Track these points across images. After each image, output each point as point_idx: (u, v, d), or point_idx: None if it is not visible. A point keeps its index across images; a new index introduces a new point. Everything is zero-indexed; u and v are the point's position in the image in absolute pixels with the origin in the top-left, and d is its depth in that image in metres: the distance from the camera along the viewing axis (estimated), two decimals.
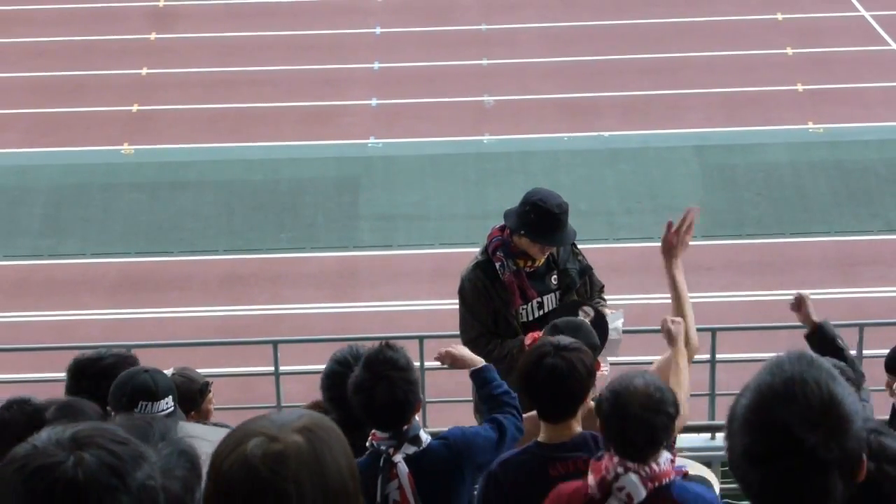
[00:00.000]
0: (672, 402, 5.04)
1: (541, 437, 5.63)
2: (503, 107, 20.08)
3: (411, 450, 5.63)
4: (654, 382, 5.06)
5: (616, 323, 7.74)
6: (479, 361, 6.26)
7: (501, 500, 5.57)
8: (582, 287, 8.21)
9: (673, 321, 6.86)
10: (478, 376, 6.21)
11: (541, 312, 8.08)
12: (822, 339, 7.52)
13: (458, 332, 11.26)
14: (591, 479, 5.02)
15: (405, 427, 5.62)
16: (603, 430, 5.05)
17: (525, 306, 8.07)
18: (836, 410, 2.90)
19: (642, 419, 4.94)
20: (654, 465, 4.95)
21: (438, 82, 20.78)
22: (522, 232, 7.88)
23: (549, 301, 8.12)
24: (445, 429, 5.94)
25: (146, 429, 2.91)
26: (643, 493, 4.89)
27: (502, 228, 8.07)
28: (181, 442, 2.94)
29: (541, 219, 7.85)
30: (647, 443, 4.96)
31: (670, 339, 6.83)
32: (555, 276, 8.13)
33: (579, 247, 8.40)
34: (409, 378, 5.58)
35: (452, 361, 6.29)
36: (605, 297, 8.37)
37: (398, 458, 5.60)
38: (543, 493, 5.13)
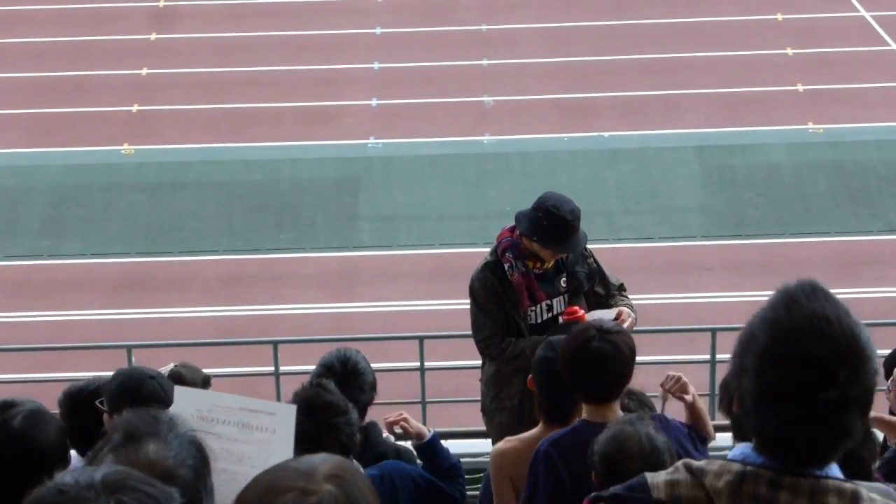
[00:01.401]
0: (669, 463, 4.91)
1: (585, 416, 5.62)
2: (503, 107, 20.08)
3: None
4: (651, 442, 4.91)
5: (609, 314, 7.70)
6: (427, 434, 6.15)
7: (554, 475, 5.52)
8: (592, 290, 8.16)
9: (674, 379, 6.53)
10: (428, 450, 6.06)
11: (549, 315, 8.03)
12: None
13: (457, 333, 11.23)
14: None
15: None
16: (597, 487, 4.92)
17: (534, 308, 8.03)
18: (858, 347, 2.87)
19: None
20: None
21: (438, 82, 20.78)
22: (535, 238, 7.85)
23: (559, 304, 8.08)
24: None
25: (154, 423, 2.93)
26: None
27: (512, 229, 8.02)
28: (188, 434, 2.96)
29: (553, 225, 7.81)
30: None
31: (685, 400, 6.48)
32: (564, 279, 8.09)
33: (588, 248, 8.35)
34: (350, 421, 5.46)
35: (403, 429, 6.15)
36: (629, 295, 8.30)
37: None
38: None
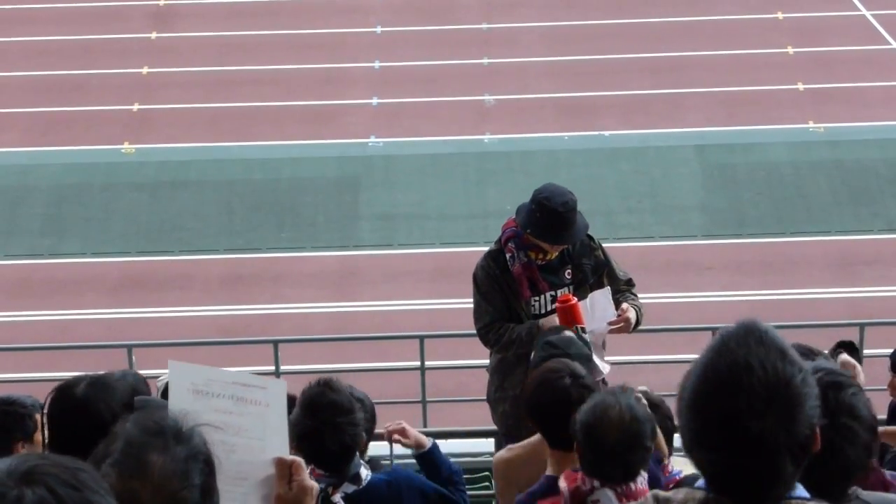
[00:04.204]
0: (649, 433, 4.88)
1: (549, 471, 5.39)
2: (504, 106, 20.07)
3: (351, 489, 5.50)
4: (631, 411, 4.86)
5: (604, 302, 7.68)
6: (427, 442, 6.07)
7: None
8: (598, 283, 8.15)
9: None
10: (427, 459, 5.99)
11: (554, 306, 8.04)
12: None
13: (458, 332, 11.22)
14: (563, 485, 4.89)
15: (345, 466, 5.50)
16: (578, 456, 4.92)
17: (537, 298, 8.04)
18: (784, 394, 2.84)
19: (618, 455, 4.80)
20: (632, 484, 4.88)
21: (439, 82, 20.77)
22: (528, 230, 7.88)
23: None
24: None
25: (157, 430, 2.90)
26: None
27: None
28: (194, 440, 2.92)
29: (545, 218, 7.83)
30: (623, 475, 4.86)
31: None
32: (569, 271, 8.09)
33: (598, 240, 8.34)
34: (354, 421, 5.42)
35: (402, 436, 6.06)
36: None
37: (337, 497, 5.48)
38: None
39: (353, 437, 5.41)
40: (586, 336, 7.30)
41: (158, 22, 22.75)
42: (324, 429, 5.36)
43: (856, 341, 10.73)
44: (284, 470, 3.91)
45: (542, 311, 8.00)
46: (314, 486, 3.59)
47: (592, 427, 4.83)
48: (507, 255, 8.00)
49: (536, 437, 6.09)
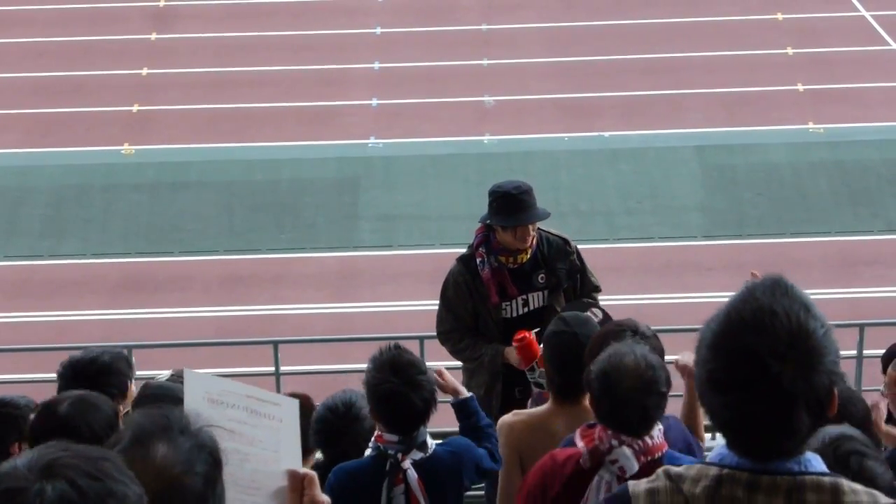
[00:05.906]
0: (664, 381, 4.96)
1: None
2: (503, 107, 20.07)
3: (418, 455, 5.61)
4: (646, 359, 4.97)
5: None
6: (465, 392, 6.23)
7: None
8: (572, 288, 8.17)
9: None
10: (464, 406, 6.16)
11: (525, 310, 8.08)
12: None
13: None
14: (581, 445, 4.92)
15: (415, 432, 5.60)
16: (593, 407, 4.99)
17: (508, 303, 8.08)
18: (804, 343, 2.86)
19: (634, 400, 4.86)
20: (648, 439, 4.88)
21: (439, 82, 20.77)
22: (488, 220, 8.04)
23: (535, 299, 8.10)
24: (442, 428, 5.92)
25: (164, 423, 2.91)
26: (636, 467, 4.80)
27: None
28: (201, 435, 2.93)
29: (501, 203, 7.99)
30: (639, 422, 4.89)
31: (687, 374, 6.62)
32: (542, 275, 8.12)
33: (581, 248, 8.37)
34: (431, 380, 5.65)
35: (442, 383, 6.14)
36: (601, 297, 8.31)
37: (406, 463, 5.57)
38: None
39: (431, 393, 5.60)
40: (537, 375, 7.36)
41: (158, 23, 22.75)
42: (407, 387, 5.51)
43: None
44: (297, 483, 3.94)
45: (513, 315, 8.05)
46: (326, 500, 3.60)
47: (607, 374, 4.91)
48: (478, 260, 8.07)
49: (545, 406, 6.11)
